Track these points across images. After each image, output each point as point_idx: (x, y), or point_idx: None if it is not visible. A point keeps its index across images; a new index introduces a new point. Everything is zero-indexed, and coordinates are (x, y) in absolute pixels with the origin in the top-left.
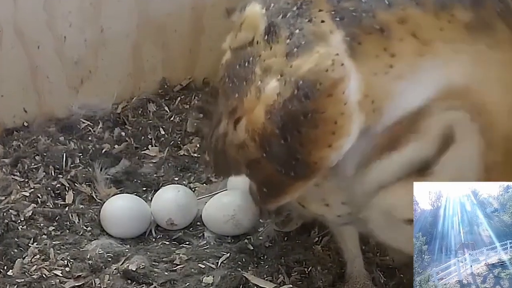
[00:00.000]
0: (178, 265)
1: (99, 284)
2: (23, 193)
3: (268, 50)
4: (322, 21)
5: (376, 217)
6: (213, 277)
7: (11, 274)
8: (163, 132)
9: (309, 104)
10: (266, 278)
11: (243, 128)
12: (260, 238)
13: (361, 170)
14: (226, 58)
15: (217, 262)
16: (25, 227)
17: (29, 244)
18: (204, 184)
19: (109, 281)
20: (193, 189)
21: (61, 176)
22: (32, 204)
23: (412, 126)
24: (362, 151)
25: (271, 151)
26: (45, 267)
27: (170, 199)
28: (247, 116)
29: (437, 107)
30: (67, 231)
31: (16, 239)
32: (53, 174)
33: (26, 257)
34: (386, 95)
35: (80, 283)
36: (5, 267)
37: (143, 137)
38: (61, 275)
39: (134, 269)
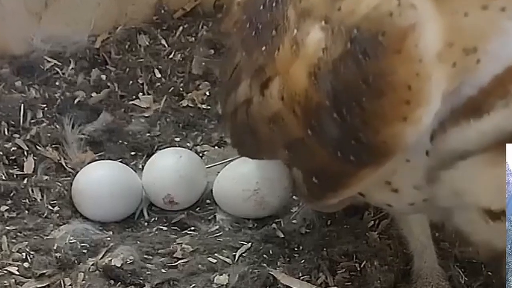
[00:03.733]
0: (180, 259)
1: (70, 285)
2: None
3: None
4: None
5: (448, 198)
6: (228, 275)
7: None
8: (159, 75)
9: (369, 65)
10: (301, 278)
11: (276, 94)
12: (294, 222)
13: (436, 139)
14: None
15: (234, 255)
16: None
17: None
18: (216, 147)
19: (83, 281)
20: (200, 154)
21: (17, 135)
22: None
23: (504, 85)
24: (440, 116)
25: (320, 128)
26: None
27: (169, 168)
28: (281, 78)
29: None
30: (26, 212)
31: None
32: (6, 133)
33: None
34: (484, 40)
35: (43, 284)
36: None
37: (131, 82)
38: (17, 273)
39: (119, 265)
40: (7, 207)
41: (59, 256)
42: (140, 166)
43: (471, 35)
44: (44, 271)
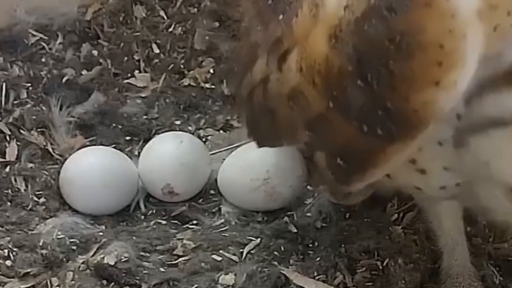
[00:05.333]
0: (181, 256)
1: (57, 285)
2: None
3: None
4: None
5: (474, 167)
6: (235, 275)
7: None
8: (157, 51)
9: (396, 22)
10: (316, 277)
11: (294, 67)
12: (308, 215)
13: (472, 103)
14: None
15: (241, 253)
16: None
17: None
18: (221, 132)
19: (73, 282)
20: (203, 139)
21: None
22: None
23: None
24: (479, 80)
25: (343, 98)
26: None
27: (168, 155)
28: (300, 47)
29: None
30: (8, 203)
31: None
32: None
33: None
34: None
35: (28, 285)
36: None
37: (126, 58)
38: None
39: (113, 263)
40: None
41: (46, 253)
42: (136, 153)
43: None
44: (29, 270)
